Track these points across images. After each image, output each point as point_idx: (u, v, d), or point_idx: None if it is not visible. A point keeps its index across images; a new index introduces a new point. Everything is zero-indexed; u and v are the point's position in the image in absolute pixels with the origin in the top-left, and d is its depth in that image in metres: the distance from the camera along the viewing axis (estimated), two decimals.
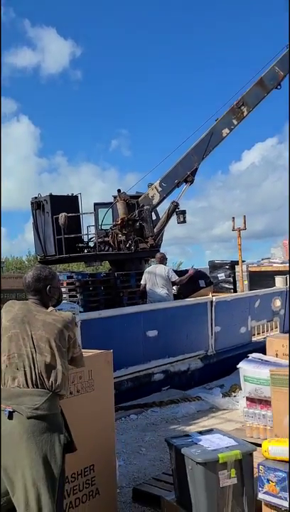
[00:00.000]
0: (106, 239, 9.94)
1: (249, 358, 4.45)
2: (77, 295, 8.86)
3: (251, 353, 4.44)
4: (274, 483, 2.60)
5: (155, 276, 8.23)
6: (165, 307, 7.53)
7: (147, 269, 8.64)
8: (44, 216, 10.00)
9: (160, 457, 4.48)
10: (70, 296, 8.80)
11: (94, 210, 10.59)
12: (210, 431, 3.12)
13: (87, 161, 59.92)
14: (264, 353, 4.41)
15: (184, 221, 11.11)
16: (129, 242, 9.54)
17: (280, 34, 11.06)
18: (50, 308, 2.61)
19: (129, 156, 60.43)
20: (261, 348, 4.80)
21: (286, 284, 10.04)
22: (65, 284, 8.88)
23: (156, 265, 8.57)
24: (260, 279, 11.56)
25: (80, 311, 7.23)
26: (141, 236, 9.64)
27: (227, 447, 2.76)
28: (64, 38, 63.28)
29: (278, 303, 9.35)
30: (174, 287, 8.90)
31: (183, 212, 11.08)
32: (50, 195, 9.94)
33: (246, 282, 12.69)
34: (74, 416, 2.68)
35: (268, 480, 2.63)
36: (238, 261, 12.54)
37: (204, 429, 3.26)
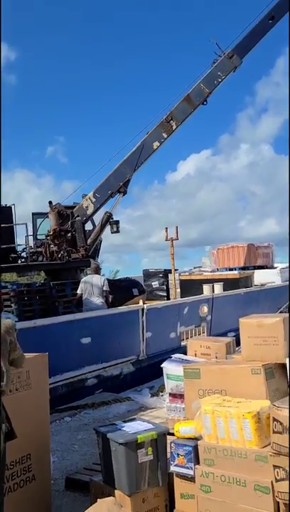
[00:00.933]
0: (38, 249, 10.30)
1: (172, 358, 5.13)
2: (12, 305, 9.16)
3: None
4: (182, 456, 3.25)
5: (92, 286, 8.71)
6: (98, 315, 8.09)
7: (83, 279, 9.07)
8: None
9: (92, 452, 5.03)
10: (5, 306, 9.08)
11: (32, 219, 10.94)
12: (132, 419, 3.74)
13: (21, 167, 59.22)
14: None
15: (117, 231, 11.75)
16: (62, 252, 9.92)
17: (209, 50, 11.78)
18: None
19: (66, 162, 60.41)
20: None
21: (213, 292, 10.93)
22: None
23: (92, 275, 9.05)
24: (191, 286, 12.44)
25: (16, 321, 7.59)
26: (73, 246, 10.08)
27: (145, 430, 3.39)
28: None
29: (205, 309, 10.19)
30: (110, 296, 9.48)
31: (117, 222, 11.72)
32: None
33: (178, 290, 13.57)
34: (13, 411, 3.16)
35: (178, 454, 3.27)
36: (171, 269, 13.39)
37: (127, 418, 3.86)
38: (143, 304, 9.06)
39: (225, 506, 3.00)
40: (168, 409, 4.96)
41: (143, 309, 8.72)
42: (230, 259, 14.55)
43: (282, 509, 2.80)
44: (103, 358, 7.89)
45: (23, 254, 10.55)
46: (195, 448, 3.20)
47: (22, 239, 10.64)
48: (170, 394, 4.95)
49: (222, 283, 11.64)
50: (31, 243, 10.52)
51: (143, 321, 8.65)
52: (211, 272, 14.34)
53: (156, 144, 11.55)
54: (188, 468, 3.22)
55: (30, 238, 10.65)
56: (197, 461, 3.19)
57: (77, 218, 10.41)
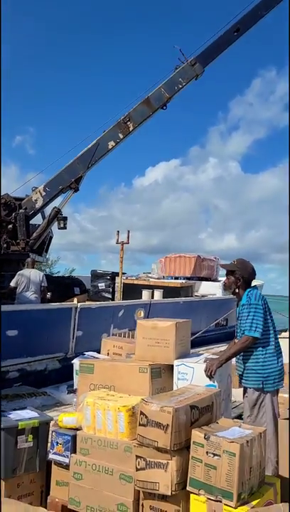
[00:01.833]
0: None
1: (85, 355, 5.36)
2: None
3: None
4: (61, 445, 3.47)
5: (28, 280, 8.80)
6: (27, 309, 8.20)
7: (20, 272, 9.08)
8: None
9: None
10: None
11: None
12: (23, 408, 3.93)
13: None
14: None
15: (64, 227, 11.86)
16: (0, 243, 9.98)
17: (172, 54, 12.04)
18: None
19: (33, 154, 59.87)
20: None
21: (151, 298, 11.23)
22: None
23: (29, 269, 9.12)
24: (133, 291, 12.70)
25: None
26: (13, 238, 10.14)
27: (29, 418, 3.58)
28: None
29: (141, 313, 10.47)
30: (49, 293, 9.58)
31: (65, 218, 11.83)
32: None
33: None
34: None
35: (57, 443, 3.48)
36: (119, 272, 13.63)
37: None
38: (78, 303, 9.24)
39: (92, 493, 3.24)
40: (75, 404, 5.19)
41: (76, 308, 8.89)
42: (176, 268, 14.93)
43: (141, 497, 3.06)
44: (28, 352, 8.01)
45: None
46: (74, 438, 3.43)
47: None
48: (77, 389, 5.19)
49: (162, 290, 11.95)
50: None
51: (75, 319, 8.82)
52: (157, 278, 14.69)
53: (111, 144, 11.73)
54: (64, 456, 3.44)
55: None
56: (74, 450, 3.42)
57: (20, 211, 10.47)
